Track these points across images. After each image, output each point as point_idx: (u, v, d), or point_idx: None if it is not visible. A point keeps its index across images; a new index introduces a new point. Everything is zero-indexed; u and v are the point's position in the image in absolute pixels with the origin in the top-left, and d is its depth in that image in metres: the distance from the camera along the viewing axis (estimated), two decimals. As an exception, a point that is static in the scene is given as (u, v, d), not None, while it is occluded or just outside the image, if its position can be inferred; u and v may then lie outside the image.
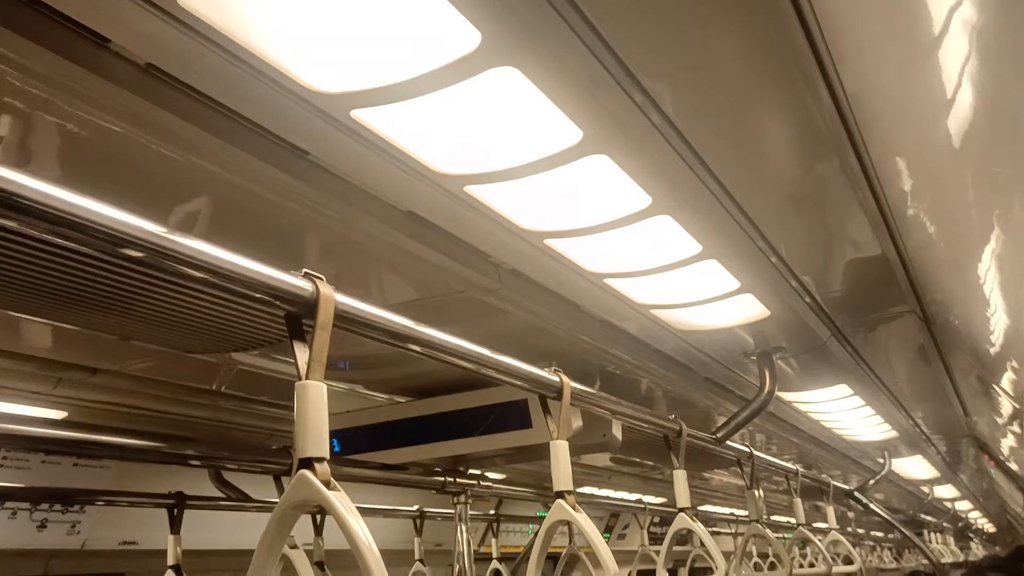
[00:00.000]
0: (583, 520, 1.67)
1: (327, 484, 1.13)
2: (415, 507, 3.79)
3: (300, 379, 1.19)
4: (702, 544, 2.49)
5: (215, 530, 3.70)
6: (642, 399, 3.62)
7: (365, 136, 1.46)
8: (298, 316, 1.23)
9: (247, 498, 2.90)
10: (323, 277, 1.20)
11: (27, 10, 1.23)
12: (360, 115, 1.38)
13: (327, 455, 1.14)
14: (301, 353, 1.20)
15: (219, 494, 2.86)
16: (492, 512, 4.39)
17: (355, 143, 1.49)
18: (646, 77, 1.39)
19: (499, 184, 1.59)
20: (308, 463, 1.14)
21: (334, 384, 3.06)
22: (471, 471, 3.14)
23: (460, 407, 2.67)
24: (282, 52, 1.22)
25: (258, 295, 1.20)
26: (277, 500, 2.66)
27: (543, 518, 1.78)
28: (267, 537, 1.13)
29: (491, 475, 3.57)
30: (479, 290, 2.29)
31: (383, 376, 2.91)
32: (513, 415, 2.57)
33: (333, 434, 2.96)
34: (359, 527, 1.09)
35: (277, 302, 1.21)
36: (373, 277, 2.21)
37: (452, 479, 2.93)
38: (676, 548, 2.72)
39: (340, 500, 1.11)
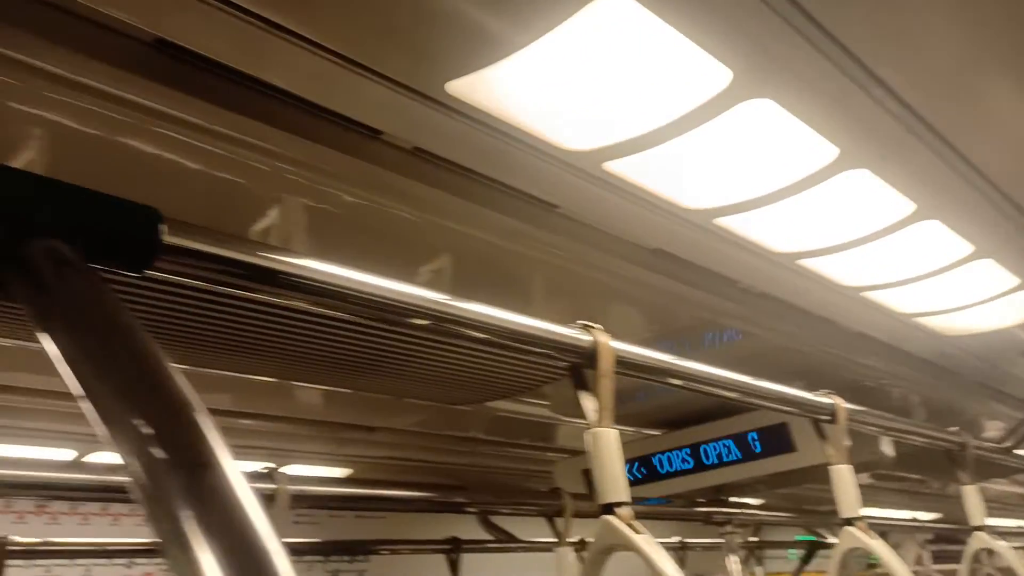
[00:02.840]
0: (880, 547, 1.60)
1: (631, 527, 1.16)
2: (675, 539, 3.75)
3: (590, 427, 1.23)
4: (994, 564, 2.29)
5: (484, 572, 3.84)
6: (896, 408, 3.41)
7: (615, 184, 1.50)
8: (580, 366, 1.27)
9: (515, 539, 3.00)
10: (600, 327, 1.25)
11: (304, 115, 1.36)
12: (611, 166, 1.42)
13: (628, 499, 1.17)
14: (587, 401, 1.25)
15: (488, 537, 2.98)
16: (754, 539, 4.25)
17: (605, 192, 1.54)
18: (897, 85, 1.34)
19: (750, 212, 1.58)
20: (610, 508, 1.18)
21: (580, 422, 3.11)
22: (731, 499, 3.08)
23: (717, 435, 2.63)
24: (539, 120, 1.29)
25: (539, 350, 1.26)
26: (546, 539, 2.74)
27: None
28: (581, 582, 1.17)
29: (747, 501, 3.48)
30: (726, 317, 2.27)
31: (630, 411, 2.93)
32: (773, 440, 2.50)
33: (586, 472, 3.01)
34: (669, 567, 1.11)
35: (559, 355, 1.26)
36: (617, 315, 2.25)
37: (716, 508, 2.89)
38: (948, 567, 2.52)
39: (646, 542, 1.14)
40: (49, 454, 2.22)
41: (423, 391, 2.14)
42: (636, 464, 2.88)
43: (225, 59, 1.20)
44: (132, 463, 0.54)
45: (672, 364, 1.37)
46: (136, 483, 0.53)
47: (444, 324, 1.18)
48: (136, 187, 0.84)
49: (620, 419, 3.15)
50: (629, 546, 1.14)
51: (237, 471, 0.55)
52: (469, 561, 2.91)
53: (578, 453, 3.22)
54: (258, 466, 2.26)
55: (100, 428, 0.57)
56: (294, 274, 1.03)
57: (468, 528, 2.91)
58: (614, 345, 1.26)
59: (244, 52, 1.19)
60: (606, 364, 1.24)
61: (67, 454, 2.22)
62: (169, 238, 0.82)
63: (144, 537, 2.47)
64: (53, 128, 1.20)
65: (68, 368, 0.60)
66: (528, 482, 3.60)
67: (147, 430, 0.56)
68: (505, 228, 1.69)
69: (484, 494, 2.58)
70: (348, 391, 2.31)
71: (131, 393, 0.58)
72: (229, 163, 1.36)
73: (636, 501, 2.92)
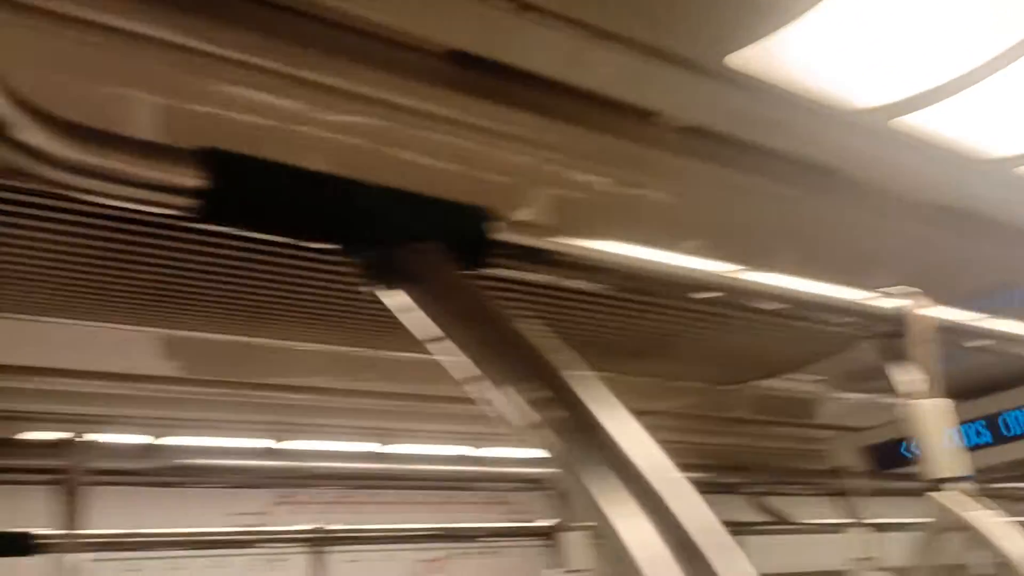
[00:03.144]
0: None
1: (968, 504, 1.08)
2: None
3: (910, 398, 1.16)
4: None
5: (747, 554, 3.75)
6: None
7: (903, 140, 1.41)
8: (889, 335, 1.20)
9: (788, 520, 2.91)
10: (918, 289, 1.17)
11: (577, 103, 1.35)
12: (901, 121, 1.33)
13: (967, 473, 1.09)
14: (902, 372, 1.18)
15: (757, 519, 2.91)
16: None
17: (891, 149, 1.45)
18: None
19: (1063, 155, 1.43)
20: (942, 483, 1.10)
21: (856, 396, 2.95)
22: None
23: (1020, 403, 2.41)
24: (824, 82, 1.23)
25: (844, 319, 1.21)
26: (818, 521, 2.61)
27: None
28: (920, 561, 1.11)
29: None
30: (1025, 275, 2.07)
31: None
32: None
33: (868, 449, 2.85)
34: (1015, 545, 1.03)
35: (864, 324, 1.20)
36: (901, 280, 2.11)
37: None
38: None
39: (986, 520, 1.06)
40: (350, 447, 2.41)
41: (691, 372, 2.12)
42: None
43: (502, 57, 1.23)
44: (537, 424, 0.57)
45: (994, 328, 1.27)
46: (545, 444, 0.56)
47: (739, 297, 1.16)
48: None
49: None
50: (972, 524, 1.06)
51: (640, 430, 0.57)
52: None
53: (852, 429, 3.06)
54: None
55: (492, 395, 0.61)
56: (595, 258, 1.05)
57: (729, 509, 2.85)
58: (932, 311, 1.19)
59: (520, 48, 1.22)
60: (926, 331, 1.16)
61: (370, 447, 2.40)
62: (502, 235, 0.86)
63: (434, 523, 2.64)
64: (329, 143, 1.26)
65: (452, 344, 0.66)
66: (793, 461, 3.48)
67: (544, 392, 0.60)
68: (782, 196, 1.63)
69: (759, 474, 2.52)
70: (614, 374, 2.34)
71: (519, 363, 0.63)
72: (491, 158, 1.39)
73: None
